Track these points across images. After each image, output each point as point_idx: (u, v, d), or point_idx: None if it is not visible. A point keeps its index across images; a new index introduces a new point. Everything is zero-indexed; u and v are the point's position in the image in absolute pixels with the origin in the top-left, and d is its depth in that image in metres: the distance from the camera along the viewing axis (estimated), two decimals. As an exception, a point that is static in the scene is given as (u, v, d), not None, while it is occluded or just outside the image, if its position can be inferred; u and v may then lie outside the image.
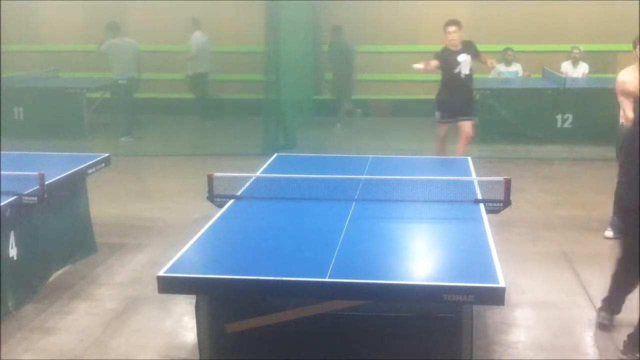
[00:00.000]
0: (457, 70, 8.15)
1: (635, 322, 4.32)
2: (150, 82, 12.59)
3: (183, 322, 4.92)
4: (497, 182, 4.56)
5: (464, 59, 8.16)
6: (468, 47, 8.27)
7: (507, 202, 4.50)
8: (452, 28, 8.14)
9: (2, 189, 4.86)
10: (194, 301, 3.61)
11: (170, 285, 3.38)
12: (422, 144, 10.90)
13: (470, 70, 8.21)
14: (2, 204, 4.72)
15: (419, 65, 8.08)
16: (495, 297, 3.16)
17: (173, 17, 13.11)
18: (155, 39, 12.71)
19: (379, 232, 4.06)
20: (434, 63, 8.18)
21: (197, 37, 12.34)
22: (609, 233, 6.48)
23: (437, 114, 8.43)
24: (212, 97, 12.97)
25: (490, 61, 8.45)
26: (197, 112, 12.89)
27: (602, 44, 12.69)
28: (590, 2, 12.56)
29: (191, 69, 12.47)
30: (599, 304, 4.89)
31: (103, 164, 6.11)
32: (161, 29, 13.15)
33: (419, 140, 11.26)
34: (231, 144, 10.89)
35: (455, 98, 8.21)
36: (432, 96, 12.19)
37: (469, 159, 5.89)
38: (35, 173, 4.98)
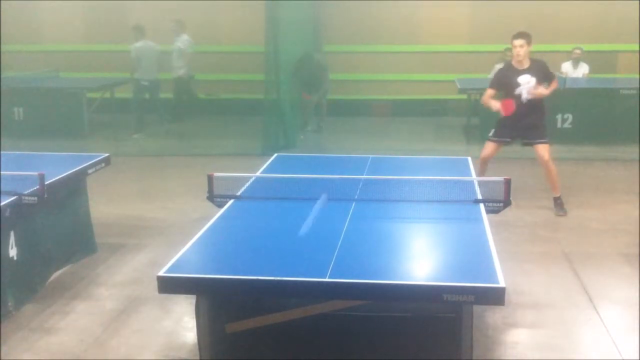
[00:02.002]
0: (517, 92, 7.13)
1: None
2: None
3: (183, 322, 4.92)
4: (497, 182, 4.56)
5: (526, 80, 7.13)
6: (537, 68, 7.21)
7: (507, 202, 4.50)
8: (518, 42, 7.11)
9: (2, 189, 4.86)
10: (194, 301, 3.61)
11: (170, 285, 3.38)
12: (422, 144, 10.91)
13: (534, 95, 7.16)
14: (2, 204, 4.72)
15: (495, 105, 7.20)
16: (495, 297, 3.16)
17: (172, 16, 13.10)
18: (157, 39, 12.66)
19: (379, 232, 4.06)
20: (490, 92, 7.30)
21: (186, 39, 12.34)
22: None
23: (492, 130, 7.52)
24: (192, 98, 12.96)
25: (538, 91, 7.18)
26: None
27: (602, 44, 12.69)
28: (590, 2, 12.56)
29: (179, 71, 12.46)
30: (599, 304, 4.89)
31: (103, 164, 6.11)
32: (161, 29, 13.12)
33: (419, 140, 11.27)
34: (231, 144, 10.89)
35: (514, 120, 7.21)
36: (432, 96, 12.28)
37: (469, 159, 5.89)
38: (35, 173, 4.98)
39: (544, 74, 7.30)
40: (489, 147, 7.49)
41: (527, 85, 7.14)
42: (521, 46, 7.11)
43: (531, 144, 7.42)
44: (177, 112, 12.73)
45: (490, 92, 7.38)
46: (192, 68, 12.56)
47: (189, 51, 12.30)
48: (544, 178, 7.59)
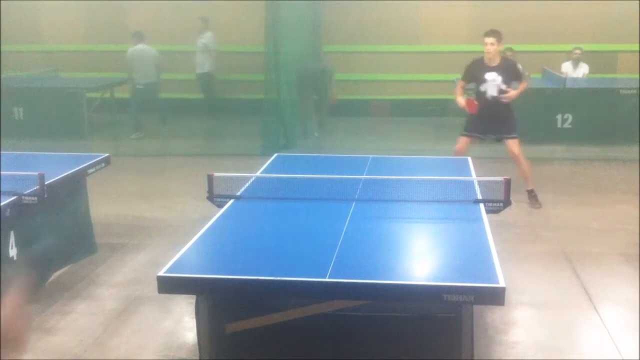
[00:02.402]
0: (482, 89, 7.38)
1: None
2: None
3: (183, 322, 4.92)
4: (497, 182, 4.56)
5: (492, 78, 7.30)
6: (505, 68, 7.36)
7: (507, 202, 4.50)
8: (489, 39, 7.24)
9: (2, 189, 4.86)
10: (194, 301, 3.61)
11: (170, 285, 3.38)
12: (421, 144, 10.91)
13: (500, 93, 7.31)
14: (2, 204, 4.72)
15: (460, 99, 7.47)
16: (495, 297, 3.16)
17: (173, 17, 13.10)
18: (156, 39, 12.66)
19: (379, 232, 4.06)
20: (461, 84, 7.63)
21: (211, 36, 12.58)
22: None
23: (464, 125, 7.73)
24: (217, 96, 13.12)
25: (509, 95, 7.35)
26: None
27: (602, 44, 12.69)
28: (590, 2, 12.56)
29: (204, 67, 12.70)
30: (599, 304, 4.89)
31: (103, 164, 6.11)
32: (162, 29, 13.12)
33: (419, 140, 11.27)
34: (231, 144, 10.89)
35: (482, 116, 7.39)
36: (432, 96, 12.27)
37: (469, 159, 5.89)
38: (35, 173, 4.98)
39: (513, 73, 7.44)
40: (460, 142, 7.65)
41: (492, 82, 7.32)
42: (492, 44, 7.25)
43: (501, 139, 7.61)
44: (208, 109, 12.85)
45: (461, 83, 7.68)
46: (216, 66, 12.67)
47: (214, 48, 12.50)
48: (544, 178, 7.59)
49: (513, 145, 7.51)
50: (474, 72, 7.49)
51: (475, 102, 7.36)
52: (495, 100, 7.33)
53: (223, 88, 13.57)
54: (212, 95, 12.99)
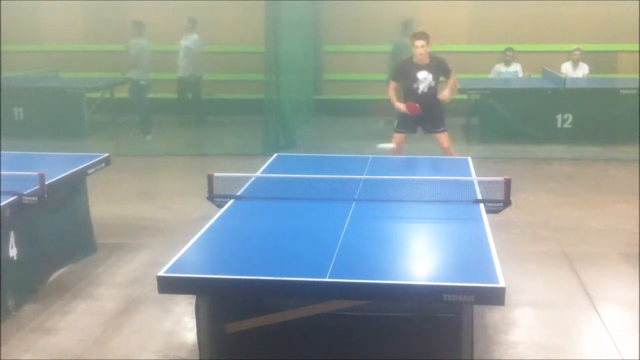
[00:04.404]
0: (415, 86, 7.76)
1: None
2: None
3: (183, 322, 4.92)
4: (497, 182, 4.56)
5: (424, 76, 7.72)
6: (436, 67, 7.77)
7: (507, 202, 4.50)
8: (419, 42, 7.64)
9: (2, 189, 4.86)
10: (194, 301, 3.61)
11: (170, 285, 3.38)
12: (421, 144, 10.90)
13: (430, 89, 7.73)
14: (2, 204, 4.72)
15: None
16: (495, 297, 3.16)
17: (172, 17, 13.10)
18: (157, 39, 12.66)
19: (379, 232, 4.06)
20: (392, 85, 7.97)
21: (195, 39, 12.28)
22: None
23: (395, 122, 8.11)
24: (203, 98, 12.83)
25: (444, 94, 7.81)
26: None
27: (602, 44, 12.70)
28: (590, 2, 12.56)
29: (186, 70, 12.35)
30: (599, 304, 4.89)
31: (103, 164, 6.11)
32: (162, 29, 13.13)
33: (419, 140, 11.25)
34: (231, 144, 10.89)
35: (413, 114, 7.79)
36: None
37: (469, 158, 5.89)
38: (35, 173, 4.98)
39: (442, 70, 7.83)
40: (396, 139, 8.02)
41: (424, 81, 7.72)
42: (422, 46, 7.63)
43: (431, 133, 8.02)
44: (184, 113, 12.62)
45: (392, 85, 8.03)
46: (200, 68, 12.43)
47: (197, 50, 12.17)
48: (544, 178, 7.59)
49: (443, 138, 7.93)
50: (406, 72, 7.84)
51: (417, 105, 7.70)
52: (426, 97, 7.75)
53: (223, 88, 13.59)
54: (187, 99, 12.59)
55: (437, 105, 7.90)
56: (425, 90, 7.75)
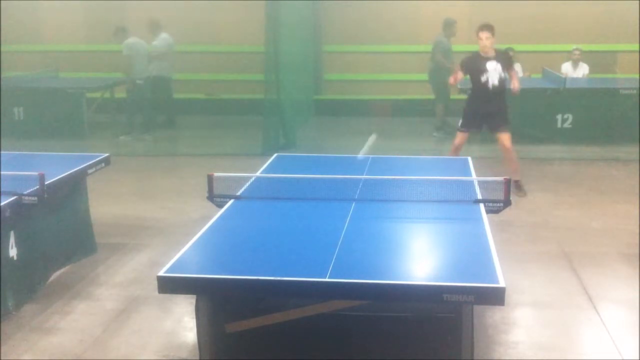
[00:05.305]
0: (484, 79, 7.68)
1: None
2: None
3: (183, 322, 4.92)
4: (497, 182, 4.56)
5: (493, 67, 7.67)
6: (501, 57, 7.79)
7: (507, 202, 4.50)
8: (484, 34, 7.65)
9: (2, 189, 4.85)
10: (194, 301, 3.61)
11: (170, 285, 3.38)
12: (422, 143, 10.91)
13: (500, 81, 7.69)
14: (2, 204, 4.72)
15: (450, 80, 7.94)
16: (495, 297, 3.16)
17: (174, 17, 13.10)
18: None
19: (379, 232, 4.06)
20: (460, 75, 7.89)
21: (163, 38, 11.94)
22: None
23: (460, 121, 8.07)
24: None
25: (515, 86, 7.83)
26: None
27: (602, 44, 12.69)
28: (590, 2, 12.56)
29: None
30: (599, 304, 4.89)
31: (103, 164, 6.11)
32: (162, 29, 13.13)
33: (419, 140, 11.27)
34: (231, 144, 10.89)
35: (481, 108, 7.82)
36: (432, 96, 12.26)
37: (469, 158, 5.89)
38: (35, 173, 4.97)
39: (507, 61, 7.85)
40: (458, 137, 8.04)
41: (494, 71, 7.66)
42: (487, 38, 7.64)
43: (496, 131, 7.89)
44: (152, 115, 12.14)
45: (460, 75, 7.96)
46: (171, 68, 12.05)
47: (163, 51, 11.76)
48: (544, 178, 7.59)
49: (506, 138, 7.80)
50: (474, 65, 7.79)
51: (459, 73, 7.82)
52: (495, 91, 7.69)
53: (223, 88, 13.59)
54: (170, 98, 12.24)
55: (504, 101, 7.85)
56: (496, 82, 7.67)
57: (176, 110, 12.57)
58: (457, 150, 7.96)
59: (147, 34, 11.88)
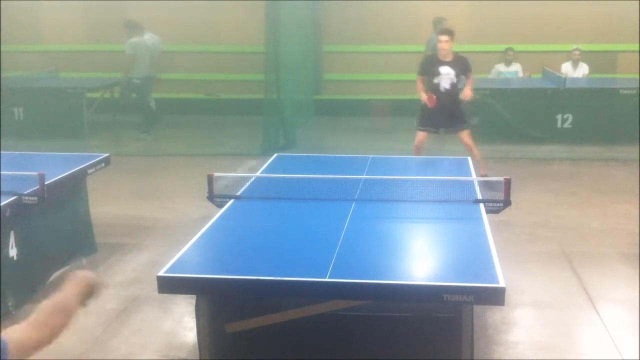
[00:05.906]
0: (436, 81, 7.91)
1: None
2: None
3: (183, 322, 4.92)
4: (497, 182, 4.56)
5: (446, 71, 7.84)
6: (458, 64, 7.89)
7: (507, 202, 4.50)
8: (443, 38, 7.85)
9: (2, 189, 4.85)
10: (194, 301, 3.61)
11: (170, 285, 3.38)
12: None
13: (452, 86, 7.88)
14: (2, 204, 4.72)
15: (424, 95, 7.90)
16: (495, 297, 3.16)
17: (174, 17, 13.11)
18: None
19: (379, 232, 4.06)
20: (421, 80, 8.03)
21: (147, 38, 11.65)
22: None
23: (416, 120, 8.25)
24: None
25: (466, 93, 7.88)
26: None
27: (602, 44, 12.69)
28: (590, 2, 12.56)
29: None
30: (599, 304, 4.89)
31: (103, 164, 6.11)
32: (162, 29, 13.13)
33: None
34: (231, 144, 10.89)
35: (434, 109, 7.88)
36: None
37: (469, 158, 5.89)
38: (35, 173, 4.98)
39: (464, 67, 7.92)
40: (419, 136, 8.18)
41: (446, 76, 7.83)
42: (446, 41, 7.75)
43: (454, 132, 8.08)
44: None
45: (419, 78, 8.09)
46: (156, 68, 11.72)
47: (132, 53, 11.30)
48: (544, 178, 7.58)
49: (465, 135, 8.02)
50: (430, 66, 8.00)
51: (434, 97, 7.82)
52: (446, 93, 7.88)
53: (223, 88, 13.59)
54: (144, 99, 11.72)
55: (457, 104, 8.02)
56: (447, 86, 7.87)
57: (162, 111, 12.21)
58: (418, 150, 8.09)
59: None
